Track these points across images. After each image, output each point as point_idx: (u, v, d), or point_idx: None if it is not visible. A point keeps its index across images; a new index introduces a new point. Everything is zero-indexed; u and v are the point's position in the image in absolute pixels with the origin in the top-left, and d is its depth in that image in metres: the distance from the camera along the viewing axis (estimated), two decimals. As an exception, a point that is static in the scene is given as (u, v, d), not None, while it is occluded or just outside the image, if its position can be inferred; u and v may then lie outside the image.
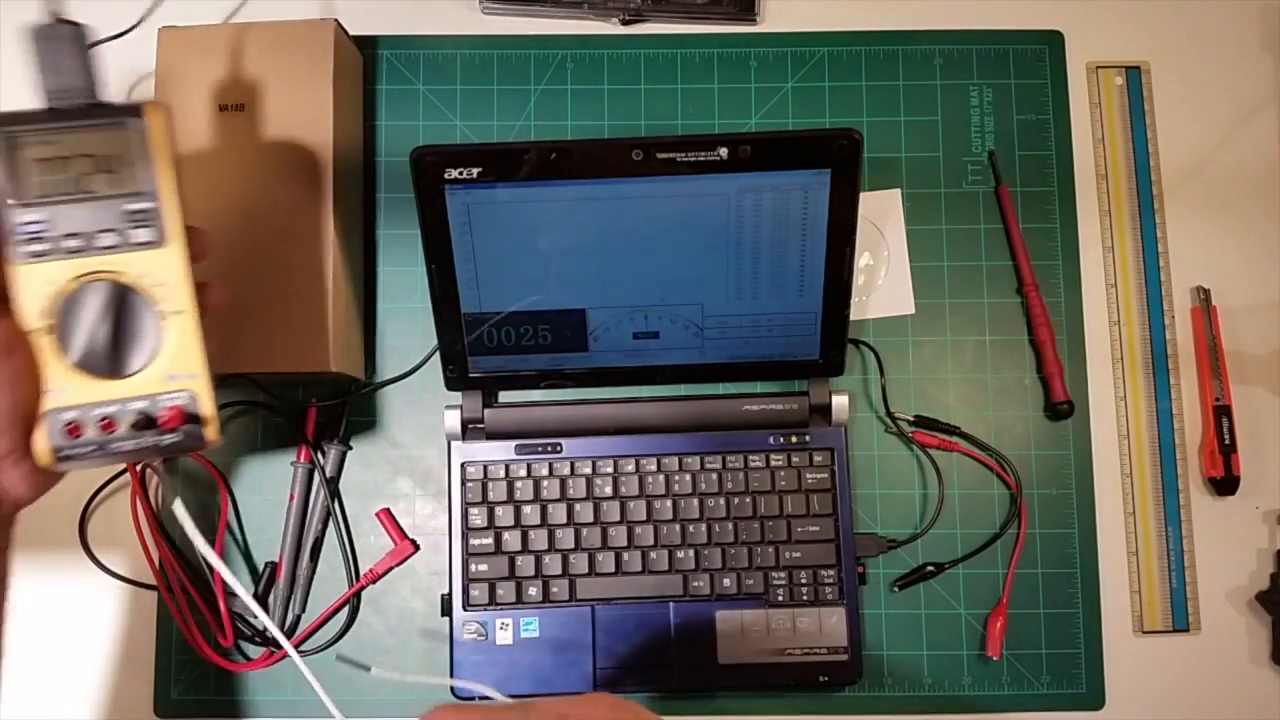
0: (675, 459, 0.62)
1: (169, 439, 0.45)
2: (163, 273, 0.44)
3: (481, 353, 0.60)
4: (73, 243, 0.43)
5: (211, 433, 0.46)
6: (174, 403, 0.45)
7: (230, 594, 0.61)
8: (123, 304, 0.44)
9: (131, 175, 0.44)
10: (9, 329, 0.42)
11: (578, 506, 0.61)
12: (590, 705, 0.37)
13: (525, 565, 0.61)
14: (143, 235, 0.44)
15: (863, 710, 0.62)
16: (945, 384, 0.65)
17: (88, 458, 0.44)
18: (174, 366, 0.45)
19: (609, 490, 0.61)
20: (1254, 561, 0.64)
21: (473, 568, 0.61)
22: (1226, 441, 0.63)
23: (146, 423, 0.45)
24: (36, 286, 0.43)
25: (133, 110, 0.44)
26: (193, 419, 0.45)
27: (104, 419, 0.44)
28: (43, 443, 0.44)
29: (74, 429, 0.44)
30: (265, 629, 0.62)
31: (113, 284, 0.44)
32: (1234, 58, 0.69)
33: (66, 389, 0.44)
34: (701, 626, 0.60)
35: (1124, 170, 0.67)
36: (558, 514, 0.61)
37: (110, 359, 0.44)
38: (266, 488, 0.64)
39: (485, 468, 0.62)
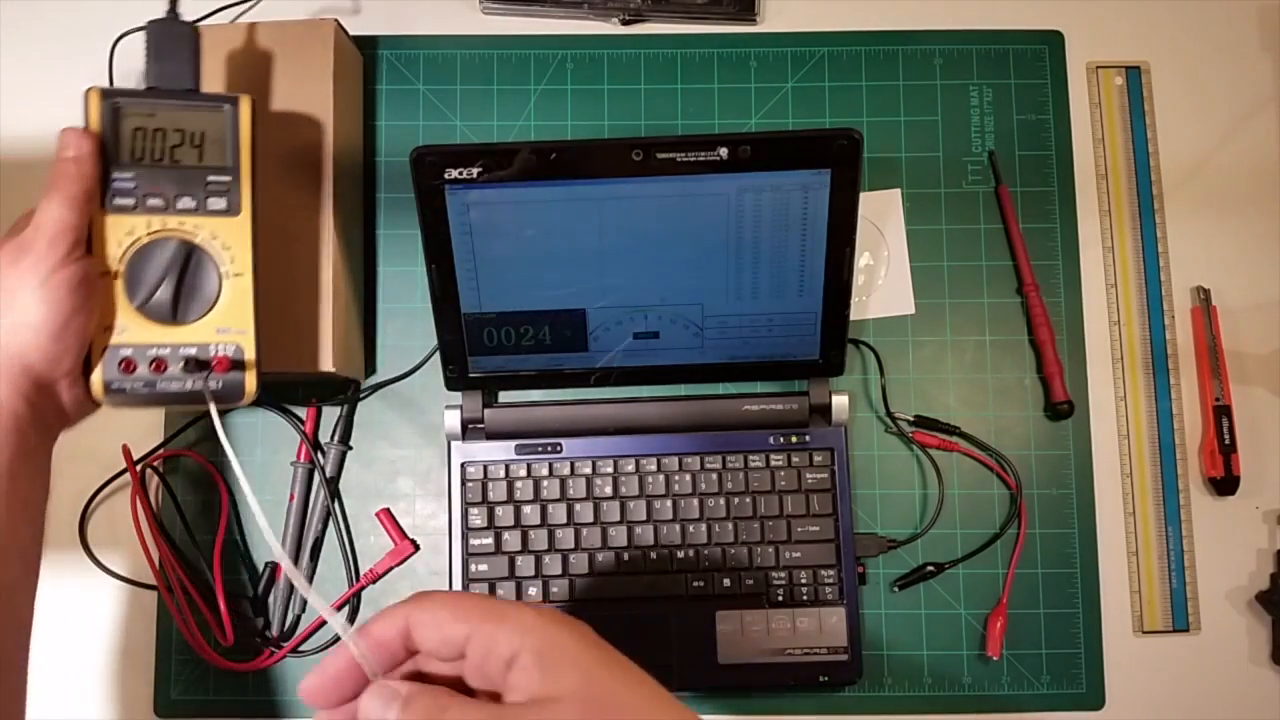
0: (675, 459, 0.62)
1: (212, 385, 0.50)
2: (230, 238, 0.50)
3: (481, 353, 0.60)
4: (155, 201, 0.49)
5: (251, 384, 0.51)
6: (223, 352, 0.50)
7: (231, 595, 0.61)
8: (189, 260, 0.50)
9: (217, 152, 0.51)
10: (95, 265, 0.48)
11: (578, 506, 0.61)
12: (575, 646, 0.35)
13: (525, 565, 0.61)
14: (218, 204, 0.50)
15: (863, 710, 0.62)
16: (945, 384, 0.65)
17: (136, 394, 0.49)
18: (227, 320, 0.50)
19: (609, 490, 0.61)
20: (1254, 561, 0.64)
21: (473, 568, 0.61)
22: (1226, 441, 0.63)
23: (195, 366, 0.50)
24: (118, 235, 0.49)
25: (230, 99, 0.51)
26: (237, 368, 0.50)
27: (156, 360, 0.49)
28: (97, 374, 0.48)
29: (128, 365, 0.49)
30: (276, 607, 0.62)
31: (183, 241, 0.50)
32: (1234, 58, 0.69)
33: (127, 329, 0.49)
34: (701, 626, 0.60)
35: (1124, 170, 0.67)
36: (558, 514, 0.61)
37: (171, 307, 0.49)
38: (266, 488, 0.64)
39: (485, 468, 0.62)
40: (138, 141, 0.49)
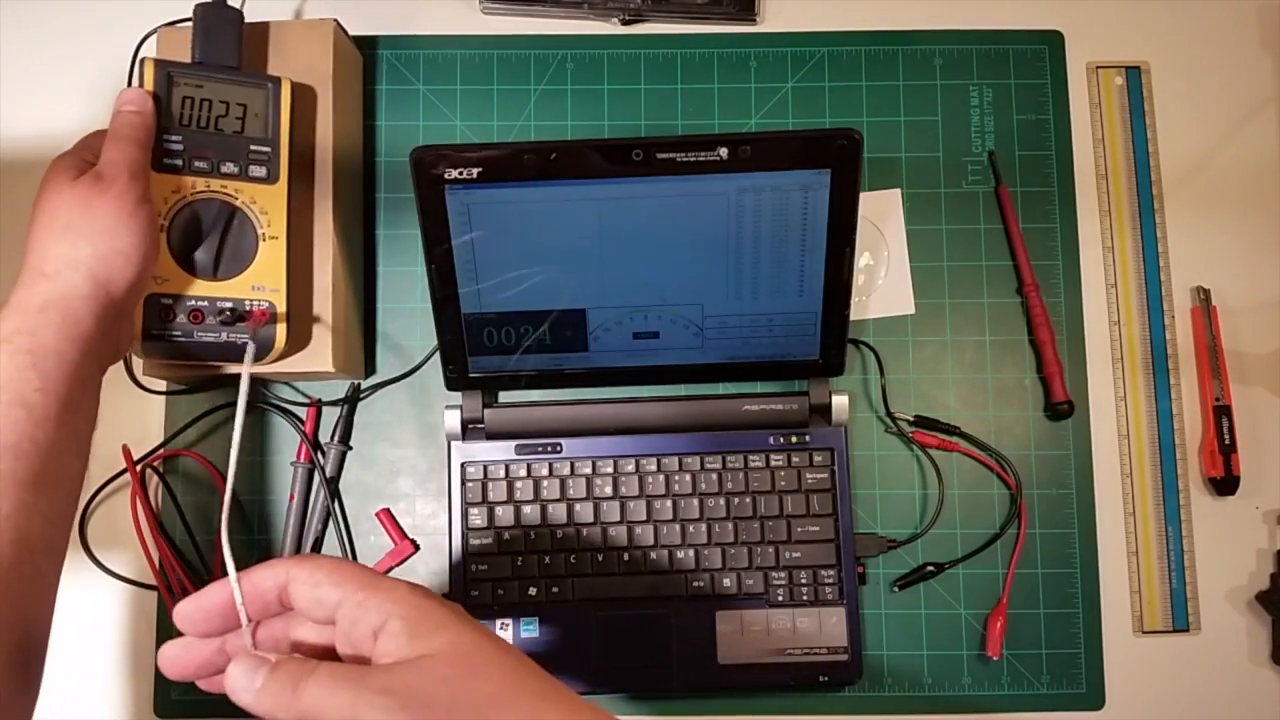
0: (675, 459, 0.62)
1: (245, 338, 0.53)
2: (268, 203, 0.55)
3: (481, 353, 0.60)
4: (201, 164, 0.54)
5: (282, 337, 0.55)
6: (259, 307, 0.55)
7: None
8: (231, 220, 0.54)
9: (259, 125, 0.55)
10: (155, 213, 0.51)
11: (578, 506, 0.61)
12: (431, 614, 0.35)
13: (525, 565, 0.61)
14: (258, 171, 0.55)
15: (863, 710, 0.62)
16: (945, 384, 0.65)
17: (174, 342, 0.54)
18: (262, 279, 0.55)
19: (609, 490, 0.61)
20: (1254, 561, 0.64)
21: (473, 568, 0.61)
22: (1226, 441, 0.63)
23: (231, 319, 0.54)
24: (165, 192, 0.53)
25: (273, 79, 0.56)
26: (271, 322, 0.55)
27: (194, 311, 0.54)
28: (139, 318, 0.53)
29: (168, 313, 0.53)
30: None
31: (225, 203, 0.54)
32: (1234, 58, 0.69)
33: (169, 280, 0.53)
34: (701, 626, 0.60)
35: (1124, 170, 0.67)
36: (558, 514, 0.61)
37: (213, 263, 0.54)
38: (266, 488, 0.64)
39: (485, 468, 0.62)
40: (186, 109, 0.54)
